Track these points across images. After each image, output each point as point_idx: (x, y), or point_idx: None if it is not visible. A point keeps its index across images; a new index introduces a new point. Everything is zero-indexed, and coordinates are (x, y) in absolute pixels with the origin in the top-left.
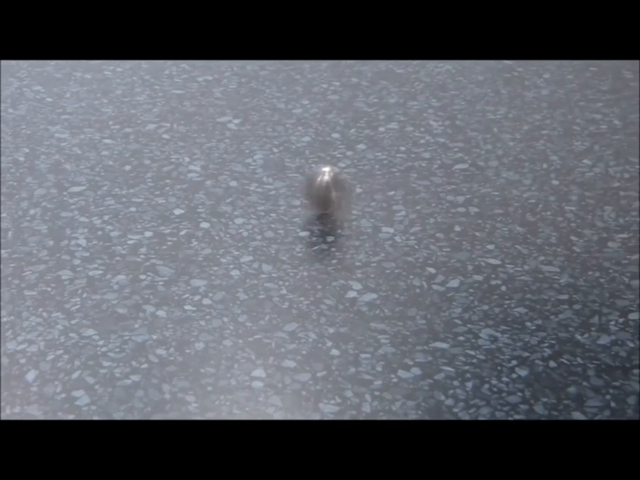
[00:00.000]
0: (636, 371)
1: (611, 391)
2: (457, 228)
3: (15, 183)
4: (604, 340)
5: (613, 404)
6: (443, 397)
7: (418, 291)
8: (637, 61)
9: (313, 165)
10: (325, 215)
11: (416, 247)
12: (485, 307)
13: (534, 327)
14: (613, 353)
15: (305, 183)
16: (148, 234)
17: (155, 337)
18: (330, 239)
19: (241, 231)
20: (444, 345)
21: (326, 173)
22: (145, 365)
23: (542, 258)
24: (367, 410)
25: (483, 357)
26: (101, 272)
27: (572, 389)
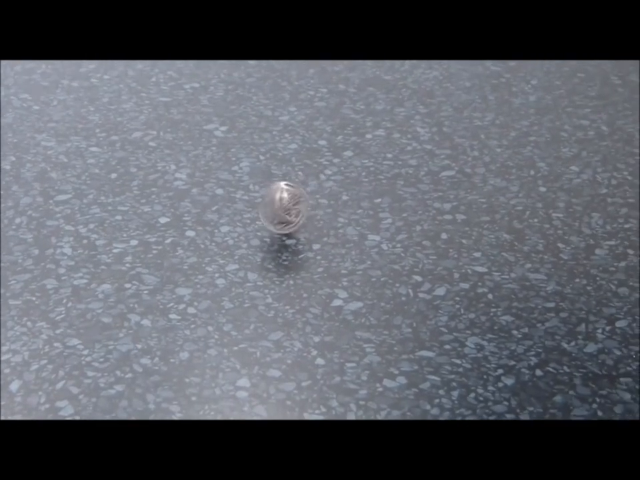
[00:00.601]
0: (623, 380)
1: (597, 399)
2: (444, 235)
3: (1, 192)
4: (591, 348)
5: (599, 413)
6: (428, 406)
7: (404, 299)
8: (626, 62)
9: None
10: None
11: (402, 254)
12: (472, 315)
13: (520, 335)
14: (599, 361)
15: (263, 204)
16: (133, 242)
17: (139, 346)
18: (316, 246)
19: (226, 239)
20: (430, 354)
21: (281, 190)
22: (130, 375)
23: (529, 265)
24: (352, 419)
25: (468, 366)
26: (86, 281)
27: (558, 398)
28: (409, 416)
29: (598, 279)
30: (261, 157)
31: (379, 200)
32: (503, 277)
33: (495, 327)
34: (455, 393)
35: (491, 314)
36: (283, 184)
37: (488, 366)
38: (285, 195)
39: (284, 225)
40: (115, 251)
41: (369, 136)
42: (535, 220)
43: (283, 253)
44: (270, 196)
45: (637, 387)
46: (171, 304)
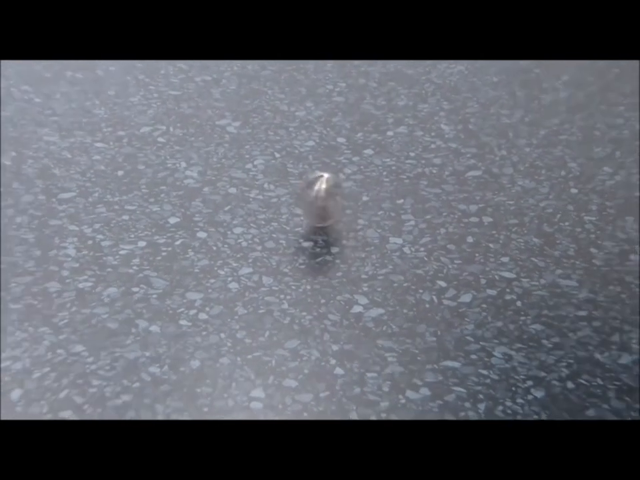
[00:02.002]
0: None
1: (632, 413)
2: (470, 239)
3: (1, 189)
4: (625, 359)
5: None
6: (453, 419)
7: (428, 306)
8: None
9: (307, 173)
10: (323, 227)
11: (426, 259)
12: (499, 324)
13: (551, 345)
14: (635, 373)
15: (300, 194)
16: (141, 244)
17: (147, 353)
18: (335, 250)
19: (240, 240)
20: (455, 364)
21: (322, 181)
22: (137, 384)
23: (560, 271)
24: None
25: (496, 377)
26: (91, 284)
27: (591, 412)
28: None
29: (632, 286)
30: (276, 155)
31: (401, 201)
32: (532, 283)
33: (524, 336)
34: (482, 406)
35: (520, 322)
36: (325, 175)
37: (516, 377)
38: (324, 186)
39: (323, 218)
40: (121, 252)
41: (390, 133)
42: (566, 223)
43: (299, 256)
44: (308, 188)
45: None
46: (181, 309)
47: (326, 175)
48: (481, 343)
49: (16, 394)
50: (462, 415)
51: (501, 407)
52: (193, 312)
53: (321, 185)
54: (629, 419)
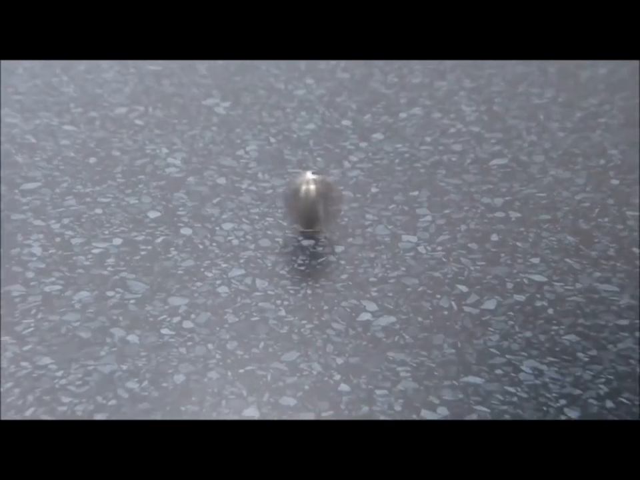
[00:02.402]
0: None
1: None
2: (494, 237)
3: None
4: None
5: None
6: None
7: (446, 313)
8: None
9: (292, 172)
10: (312, 232)
11: (444, 259)
12: (528, 334)
13: (587, 359)
14: None
15: (286, 194)
16: (117, 241)
17: (124, 367)
18: (339, 249)
19: (230, 238)
20: (477, 380)
21: (310, 181)
22: (113, 401)
23: (598, 274)
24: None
25: (524, 395)
26: (59, 287)
27: None
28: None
29: None
30: (272, 140)
31: (416, 193)
32: (566, 287)
33: (557, 349)
34: None
35: (552, 332)
36: (309, 174)
37: (548, 395)
38: (312, 187)
39: (312, 222)
40: (94, 251)
41: (403, 115)
42: (606, 219)
43: (298, 255)
44: (295, 189)
45: None
46: (163, 316)
47: (314, 176)
48: (507, 355)
49: None
50: None
51: None
52: (176, 319)
53: (309, 185)
54: None
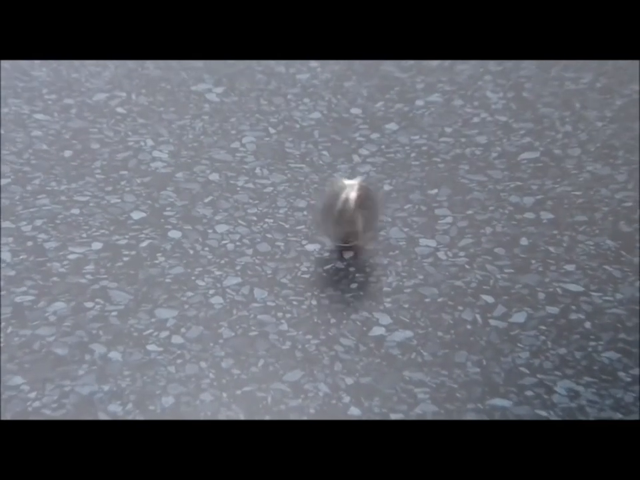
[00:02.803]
0: None
1: None
2: (524, 241)
3: None
4: None
5: None
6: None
7: (469, 327)
8: None
9: (332, 178)
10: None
11: (467, 266)
12: (562, 351)
13: (629, 379)
14: None
15: (322, 206)
16: (96, 246)
17: (106, 387)
18: (348, 254)
19: (224, 242)
20: (505, 403)
21: (351, 188)
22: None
23: None
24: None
25: (558, 419)
26: (31, 298)
27: None
28: None
29: None
30: (271, 130)
31: (435, 191)
32: (605, 298)
33: (595, 367)
34: None
35: (589, 349)
36: (347, 182)
37: (585, 420)
38: (352, 195)
39: (351, 236)
40: (70, 257)
41: (420, 102)
42: None
43: (302, 262)
44: (331, 199)
45: None
46: (150, 330)
47: (357, 183)
48: (538, 375)
49: None
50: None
51: None
52: (164, 334)
53: (349, 194)
54: None
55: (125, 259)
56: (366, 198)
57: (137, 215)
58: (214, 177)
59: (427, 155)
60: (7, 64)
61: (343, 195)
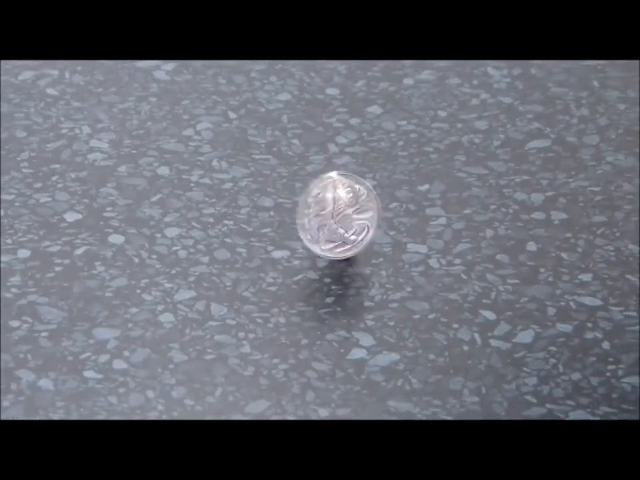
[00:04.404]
0: None
1: None
2: (532, 246)
3: None
4: None
5: None
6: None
7: (467, 348)
8: None
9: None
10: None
11: (464, 276)
12: (576, 376)
13: None
14: None
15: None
16: (23, 253)
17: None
18: (323, 262)
19: (176, 248)
20: None
21: (335, 184)
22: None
23: None
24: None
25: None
26: None
27: None
28: None
29: None
30: (231, 115)
31: (426, 187)
32: (626, 314)
33: (614, 395)
34: None
35: (608, 374)
36: (335, 175)
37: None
38: (343, 194)
39: (339, 245)
40: None
41: (408, 81)
42: None
43: (268, 272)
44: (316, 197)
45: None
46: (87, 354)
47: (336, 176)
48: (547, 405)
49: None
50: None
51: None
52: (104, 358)
53: (336, 191)
54: None
55: (57, 269)
56: (356, 194)
57: (71, 217)
58: (163, 170)
59: (417, 144)
60: None
61: (329, 195)
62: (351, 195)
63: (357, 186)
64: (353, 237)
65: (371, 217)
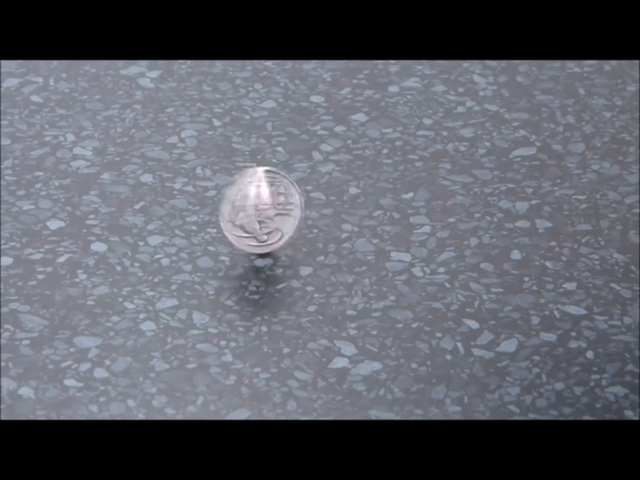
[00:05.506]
0: None
1: None
2: (516, 254)
3: None
4: None
5: None
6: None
7: (449, 358)
8: None
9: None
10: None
11: (447, 285)
12: (560, 386)
13: (638, 418)
14: None
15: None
16: (5, 261)
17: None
18: (306, 270)
19: (158, 256)
20: None
21: (258, 183)
22: None
23: None
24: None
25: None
26: None
27: None
28: None
29: None
30: (216, 122)
31: (410, 195)
32: (611, 323)
33: (597, 405)
34: None
35: (592, 384)
36: (261, 171)
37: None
38: (265, 191)
39: (249, 238)
40: None
41: (393, 89)
42: None
43: (250, 280)
44: (239, 191)
45: None
46: (68, 362)
47: (261, 169)
48: (531, 415)
49: None
50: None
51: None
52: (85, 367)
53: (260, 184)
54: None
55: (39, 276)
56: (280, 194)
57: (54, 225)
58: (146, 178)
59: (402, 152)
60: None
61: (252, 191)
62: (282, 197)
63: (290, 190)
64: (264, 237)
65: (290, 225)
